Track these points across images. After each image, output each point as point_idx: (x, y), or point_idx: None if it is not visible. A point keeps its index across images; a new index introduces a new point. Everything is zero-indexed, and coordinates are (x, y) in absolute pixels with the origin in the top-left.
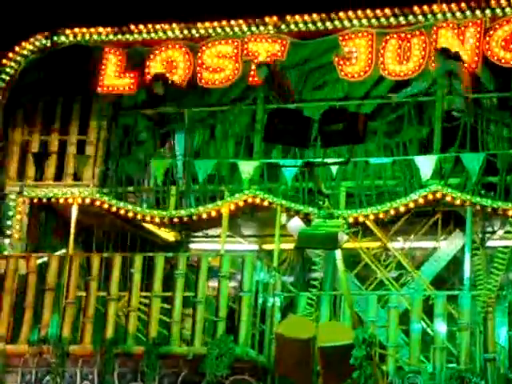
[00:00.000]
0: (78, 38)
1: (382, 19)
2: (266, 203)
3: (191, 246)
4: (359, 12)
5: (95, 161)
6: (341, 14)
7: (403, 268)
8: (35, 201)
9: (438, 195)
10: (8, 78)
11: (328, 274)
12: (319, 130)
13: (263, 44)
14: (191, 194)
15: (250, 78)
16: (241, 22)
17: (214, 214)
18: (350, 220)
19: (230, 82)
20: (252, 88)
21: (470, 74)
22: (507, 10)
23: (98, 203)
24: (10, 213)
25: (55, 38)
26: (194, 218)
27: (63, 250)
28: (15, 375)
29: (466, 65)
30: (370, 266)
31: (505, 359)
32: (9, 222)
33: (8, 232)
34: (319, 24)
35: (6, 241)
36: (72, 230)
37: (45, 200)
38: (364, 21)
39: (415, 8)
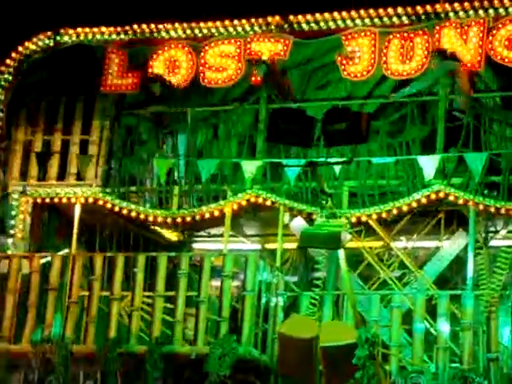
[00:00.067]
0: (81, 37)
1: (385, 19)
2: (268, 203)
3: (194, 245)
4: (362, 11)
5: (98, 160)
6: (344, 13)
7: (406, 268)
8: (38, 200)
9: (441, 195)
10: (11, 77)
11: (331, 274)
12: (322, 129)
13: (266, 44)
14: (193, 194)
15: (253, 78)
16: (243, 21)
17: (216, 213)
18: (353, 220)
19: (232, 82)
20: (255, 87)
21: (468, 73)
22: (510, 9)
23: (100, 203)
24: (13, 212)
25: (58, 38)
26: (197, 217)
27: (66, 250)
28: (18, 375)
29: (466, 64)
30: (373, 266)
31: (508, 359)
32: (12, 222)
33: (11, 231)
34: (322, 23)
35: (9, 240)
36: (75, 230)
37: (48, 200)
38: (367, 20)
39: (418, 8)
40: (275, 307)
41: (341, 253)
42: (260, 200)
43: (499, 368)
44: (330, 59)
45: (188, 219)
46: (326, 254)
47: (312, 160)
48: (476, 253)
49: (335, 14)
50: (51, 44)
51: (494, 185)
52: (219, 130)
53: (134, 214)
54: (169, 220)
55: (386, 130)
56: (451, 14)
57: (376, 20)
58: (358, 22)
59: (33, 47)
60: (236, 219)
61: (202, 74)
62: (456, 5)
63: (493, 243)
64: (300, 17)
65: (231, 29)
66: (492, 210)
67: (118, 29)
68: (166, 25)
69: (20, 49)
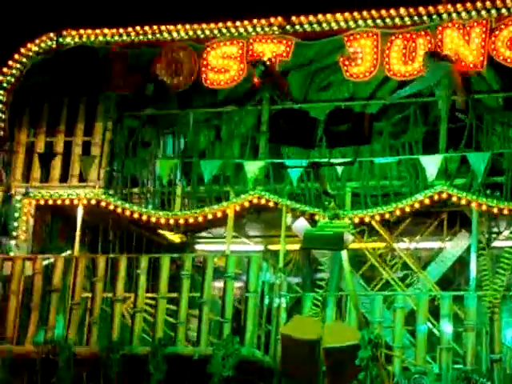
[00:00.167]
0: (84, 39)
1: (387, 19)
2: (271, 204)
3: (197, 246)
4: (364, 12)
5: (101, 162)
6: (346, 14)
7: (409, 268)
8: (41, 202)
9: (444, 196)
10: (14, 79)
11: (334, 275)
12: (325, 130)
13: (268, 45)
14: (194, 195)
15: (256, 79)
16: (246, 22)
17: (219, 214)
18: (356, 220)
19: (235, 83)
20: (257, 89)
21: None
22: None
23: (103, 204)
24: (16, 214)
25: (61, 40)
26: (200, 219)
27: (69, 252)
28: (21, 376)
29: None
30: (376, 267)
31: (511, 359)
32: (15, 224)
33: (14, 233)
34: (324, 25)
35: (12, 242)
36: (78, 231)
37: (50, 201)
38: (369, 21)
39: (420, 8)
40: (278, 308)
41: (344, 254)
42: (263, 201)
43: (502, 369)
44: (333, 60)
45: (191, 221)
46: (329, 255)
47: (315, 161)
48: (479, 254)
49: (337, 15)
50: (54, 45)
51: (496, 185)
52: (222, 132)
53: (136, 215)
54: (171, 221)
55: (389, 131)
56: (453, 15)
57: (378, 21)
58: (360, 22)
59: (35, 49)
60: (239, 220)
61: (204, 76)
62: (458, 5)
63: (496, 244)
64: (302, 18)
65: (233, 30)
66: (495, 210)
67: (121, 30)
68: (168, 26)
69: (22, 50)
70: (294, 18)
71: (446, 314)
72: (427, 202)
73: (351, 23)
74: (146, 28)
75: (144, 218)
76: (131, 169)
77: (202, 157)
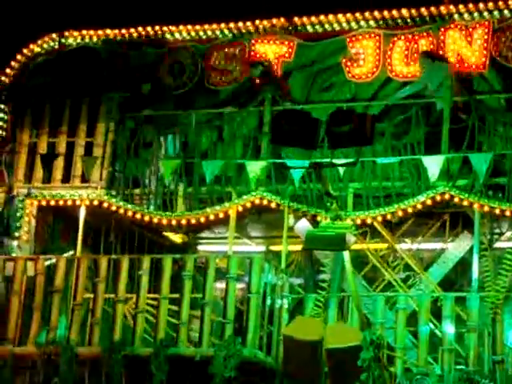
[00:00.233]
0: (86, 39)
1: (390, 21)
2: (273, 205)
3: (199, 247)
4: (366, 13)
5: (103, 163)
6: (348, 15)
7: (411, 269)
8: (43, 203)
9: (446, 196)
10: (16, 79)
11: (336, 276)
12: (327, 131)
13: (271, 46)
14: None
15: (258, 81)
16: (248, 23)
17: (221, 215)
18: (358, 221)
19: (237, 84)
20: (259, 89)
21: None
22: None
23: (105, 205)
24: (18, 215)
25: (63, 40)
26: (202, 219)
27: (71, 252)
28: (23, 377)
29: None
30: (378, 268)
31: None
32: (17, 224)
33: (16, 234)
34: (327, 25)
35: (14, 242)
36: (80, 232)
37: (53, 202)
38: (371, 22)
39: (423, 9)
40: (280, 309)
41: (346, 255)
42: (265, 202)
43: (505, 370)
44: (335, 61)
45: (193, 221)
46: (331, 256)
47: (317, 162)
48: (481, 255)
49: (340, 15)
50: (56, 46)
51: (499, 187)
52: (224, 132)
53: (138, 216)
54: (173, 222)
55: (391, 132)
56: (456, 16)
57: (380, 22)
58: (362, 23)
59: (38, 49)
60: (240, 221)
61: (206, 76)
62: (461, 7)
63: (498, 245)
64: (305, 19)
65: (236, 31)
66: (497, 211)
67: (123, 31)
68: (170, 27)
69: (25, 51)
70: (296, 19)
71: (448, 315)
72: (429, 202)
73: (353, 24)
74: (149, 29)
75: (146, 218)
76: (133, 169)
77: (204, 157)
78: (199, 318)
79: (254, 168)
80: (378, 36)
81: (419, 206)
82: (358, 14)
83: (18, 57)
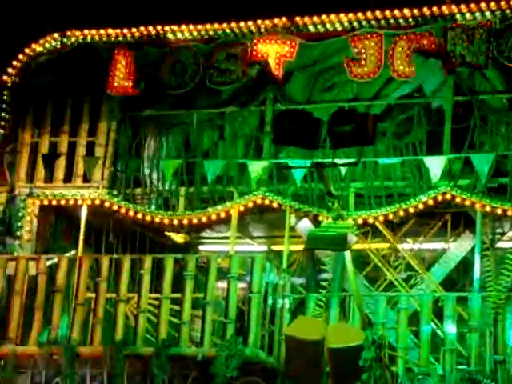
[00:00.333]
0: (88, 39)
1: (392, 20)
2: (275, 204)
3: (200, 247)
4: (368, 13)
5: (104, 162)
6: (350, 15)
7: (413, 269)
8: (45, 202)
9: (448, 196)
10: (18, 79)
11: (337, 276)
12: (328, 131)
13: (272, 45)
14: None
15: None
16: (250, 23)
17: (223, 215)
18: (360, 221)
19: (239, 83)
20: (261, 89)
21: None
22: None
23: (107, 205)
24: (20, 214)
25: (65, 40)
26: (204, 219)
27: (73, 252)
28: (25, 376)
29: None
30: (380, 268)
31: None
32: (19, 224)
33: (18, 233)
34: (328, 25)
35: (16, 242)
36: (81, 232)
37: (54, 201)
38: (373, 22)
39: (424, 9)
40: (282, 309)
41: (347, 254)
42: (266, 202)
43: (506, 370)
44: (337, 61)
45: (194, 221)
46: (333, 256)
47: (318, 161)
48: (483, 254)
49: (342, 15)
50: (58, 46)
51: (501, 186)
52: (225, 132)
53: (140, 215)
54: (175, 222)
55: (393, 132)
56: (458, 16)
57: (382, 22)
58: (364, 23)
59: (39, 49)
60: (242, 221)
61: (208, 76)
62: (463, 6)
63: (499, 245)
64: (306, 19)
65: (237, 30)
66: (499, 211)
67: (125, 31)
68: (172, 27)
69: (27, 50)
70: (298, 19)
71: (449, 314)
72: (431, 202)
73: (355, 24)
74: (151, 28)
75: (148, 218)
76: (134, 169)
77: (205, 157)
78: (201, 318)
79: (256, 168)
80: (380, 36)
81: (421, 206)
82: (359, 14)
83: (20, 56)
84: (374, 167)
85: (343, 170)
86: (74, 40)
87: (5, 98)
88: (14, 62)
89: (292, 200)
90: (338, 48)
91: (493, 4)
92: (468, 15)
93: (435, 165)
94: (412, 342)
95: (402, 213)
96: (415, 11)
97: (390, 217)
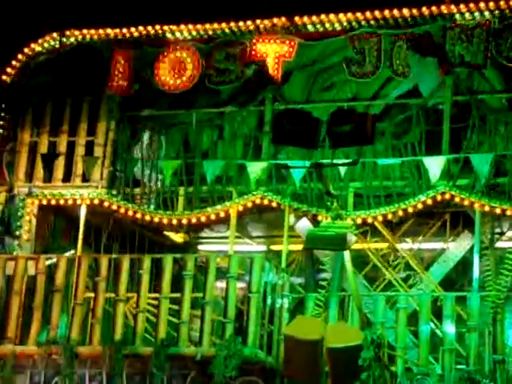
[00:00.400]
0: (87, 39)
1: (390, 20)
2: (274, 204)
3: (199, 247)
4: (367, 13)
5: (103, 162)
6: (349, 15)
7: (412, 269)
8: (44, 202)
9: (447, 196)
10: (17, 79)
11: (336, 275)
12: (328, 131)
13: (271, 45)
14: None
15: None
16: (249, 23)
17: (222, 214)
18: (359, 221)
19: (238, 83)
20: (259, 88)
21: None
22: None
23: (106, 204)
24: (19, 214)
25: (64, 40)
26: (203, 219)
27: (72, 251)
28: (24, 376)
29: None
30: (379, 267)
31: None
32: (18, 223)
33: (17, 233)
34: (327, 25)
35: (15, 242)
36: (80, 231)
37: (53, 201)
38: (372, 22)
39: (424, 9)
40: (281, 309)
41: (346, 254)
42: (265, 201)
43: (505, 370)
44: (336, 61)
45: (193, 221)
46: (332, 256)
47: (318, 161)
48: (482, 254)
49: (341, 15)
50: (57, 45)
51: (500, 186)
52: (224, 132)
53: (139, 215)
54: (174, 221)
55: (392, 132)
56: (457, 16)
57: (381, 21)
58: (363, 23)
59: (39, 48)
60: (241, 220)
61: (207, 76)
62: (461, 6)
63: (499, 245)
64: (306, 18)
65: (236, 30)
66: (498, 211)
67: (124, 30)
68: (171, 26)
69: (26, 50)
70: (297, 19)
71: (448, 314)
72: (430, 202)
73: (354, 24)
74: (150, 28)
75: (147, 217)
76: (134, 169)
77: (204, 157)
78: (200, 318)
79: (255, 169)
80: (379, 36)
81: (420, 206)
82: (358, 14)
83: (19, 56)
84: (373, 167)
85: (342, 169)
86: (73, 40)
87: (4, 97)
88: (13, 62)
89: (291, 200)
90: (337, 48)
91: (492, 4)
92: (467, 15)
93: (434, 165)
94: (411, 341)
95: (401, 212)
96: (414, 11)
97: (389, 216)
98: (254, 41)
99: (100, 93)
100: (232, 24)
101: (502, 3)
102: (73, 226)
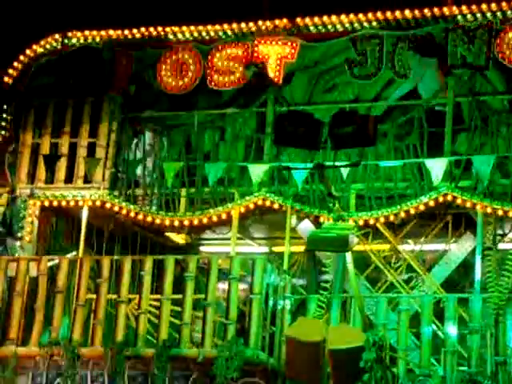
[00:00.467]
0: (89, 40)
1: (393, 21)
2: (276, 206)
3: (201, 248)
4: (369, 15)
5: (105, 163)
6: (351, 16)
7: (414, 271)
8: (46, 203)
9: (449, 198)
10: (19, 80)
11: (338, 277)
12: (330, 132)
13: (273, 47)
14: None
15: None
16: (251, 24)
17: (224, 216)
18: (361, 222)
19: (240, 85)
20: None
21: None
22: None
23: (108, 205)
24: (21, 215)
25: (66, 41)
26: (205, 220)
27: (74, 253)
28: (26, 377)
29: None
30: (381, 269)
31: None
32: (19, 225)
33: (19, 234)
34: (329, 26)
35: (17, 243)
36: (82, 233)
37: (55, 202)
38: (374, 23)
39: (425, 10)
40: (282, 310)
41: (348, 256)
42: (267, 203)
43: (507, 371)
44: (338, 62)
45: (195, 222)
46: (334, 257)
47: (320, 163)
48: (484, 255)
49: (343, 16)
50: (59, 47)
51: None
52: (226, 133)
53: (141, 216)
54: (176, 223)
55: (394, 133)
56: (459, 17)
57: (383, 23)
58: (365, 24)
59: (40, 50)
60: (243, 222)
61: (209, 77)
62: (463, 8)
63: (501, 246)
64: (307, 20)
65: (238, 31)
66: (500, 212)
67: (126, 31)
68: (173, 27)
69: (28, 51)
70: (299, 20)
71: (450, 316)
72: (432, 204)
73: (356, 25)
74: (151, 29)
75: (148, 219)
76: (136, 170)
77: (206, 158)
78: (202, 319)
79: (257, 171)
80: (381, 37)
81: (422, 207)
82: (361, 15)
83: (21, 57)
84: (375, 168)
85: (344, 171)
86: (74, 41)
87: (6, 98)
88: (15, 63)
89: (293, 201)
90: (338, 49)
91: (494, 5)
92: (469, 16)
93: (436, 167)
94: (413, 343)
95: (402, 214)
96: (416, 12)
97: (391, 218)
98: (256, 42)
99: (102, 94)
100: (234, 25)
101: (503, 4)
102: (74, 227)
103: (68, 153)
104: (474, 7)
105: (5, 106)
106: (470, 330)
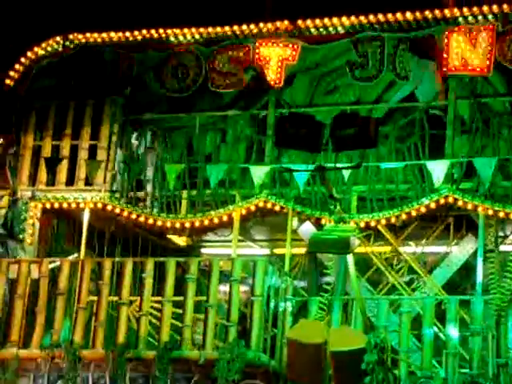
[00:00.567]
0: (91, 42)
1: (394, 24)
2: (277, 208)
3: (203, 250)
4: (371, 16)
5: (107, 165)
6: (352, 18)
7: (415, 272)
8: (47, 205)
9: (450, 200)
10: (20, 82)
11: (339, 279)
12: (331, 134)
13: (275, 49)
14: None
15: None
16: (252, 26)
17: (225, 218)
18: (362, 224)
19: (241, 87)
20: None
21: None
22: None
23: (109, 208)
24: (22, 217)
25: (67, 43)
26: (206, 222)
27: (75, 255)
28: (27, 380)
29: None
30: (382, 271)
31: None
32: (21, 227)
33: (20, 236)
34: (331, 28)
35: (18, 245)
36: (84, 235)
37: (57, 205)
38: (375, 25)
39: (427, 12)
40: (284, 312)
41: (350, 258)
42: (269, 205)
43: (509, 373)
44: (339, 64)
45: (197, 224)
46: (335, 259)
47: (321, 165)
48: (485, 258)
49: (344, 19)
50: (60, 49)
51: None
52: (227, 135)
53: (142, 218)
54: (177, 225)
55: (395, 135)
56: (460, 19)
57: (385, 25)
58: (366, 26)
59: (42, 52)
60: (244, 224)
61: (210, 79)
62: (465, 10)
63: (502, 248)
64: (309, 22)
65: (240, 34)
66: (501, 214)
67: (127, 34)
68: (174, 30)
69: (29, 54)
70: (300, 22)
71: (452, 318)
72: (433, 206)
73: (358, 27)
74: (153, 31)
75: (150, 221)
76: (137, 172)
77: (208, 160)
78: (203, 321)
79: (259, 173)
80: (382, 39)
81: (423, 209)
82: (362, 17)
83: (23, 59)
84: (377, 170)
85: (345, 173)
86: (76, 43)
87: (7, 101)
88: (17, 66)
89: (294, 203)
90: (340, 51)
91: (495, 7)
92: (470, 18)
93: (438, 168)
94: (414, 345)
95: (404, 216)
96: (417, 14)
97: (393, 220)
98: (257, 44)
99: (103, 96)
100: (235, 28)
101: (505, 6)
102: (76, 229)
103: (69, 155)
104: (475, 9)
105: (6, 109)
106: (472, 332)
